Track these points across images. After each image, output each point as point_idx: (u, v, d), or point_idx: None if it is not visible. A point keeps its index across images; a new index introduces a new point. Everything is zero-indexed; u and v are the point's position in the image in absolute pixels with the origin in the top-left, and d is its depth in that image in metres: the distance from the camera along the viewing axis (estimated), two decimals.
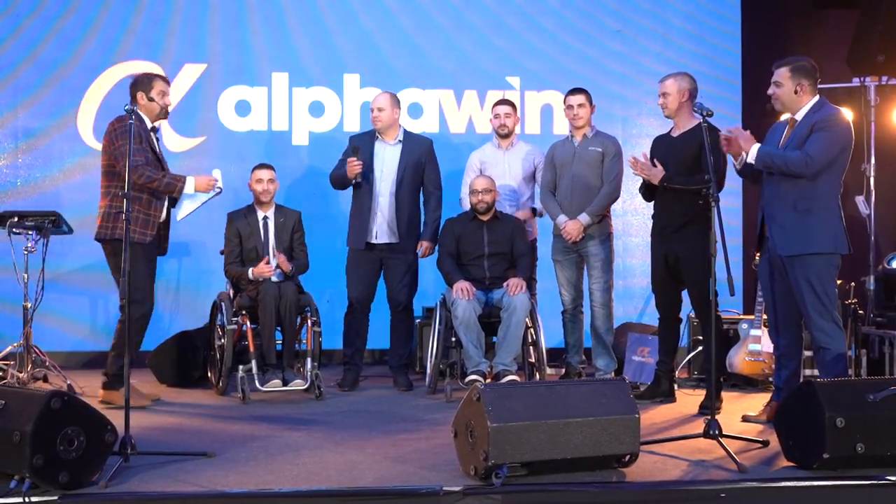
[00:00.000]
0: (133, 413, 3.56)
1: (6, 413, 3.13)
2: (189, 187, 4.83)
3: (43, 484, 3.06)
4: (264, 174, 5.39)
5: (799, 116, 4.24)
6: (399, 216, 5.44)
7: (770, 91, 4.31)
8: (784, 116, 4.41)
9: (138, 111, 4.71)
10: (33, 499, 3.03)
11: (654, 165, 4.80)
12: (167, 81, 5.02)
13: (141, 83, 4.89)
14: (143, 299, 4.72)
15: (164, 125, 6.59)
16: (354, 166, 5.28)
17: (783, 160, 4.13)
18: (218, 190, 4.92)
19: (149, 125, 4.88)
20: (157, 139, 5.05)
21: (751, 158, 4.20)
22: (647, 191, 4.98)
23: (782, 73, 4.24)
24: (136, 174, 4.63)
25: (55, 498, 3.06)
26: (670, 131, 4.99)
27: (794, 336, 4.39)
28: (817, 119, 4.15)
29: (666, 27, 7.00)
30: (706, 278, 4.69)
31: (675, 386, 5.14)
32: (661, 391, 4.97)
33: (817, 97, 4.25)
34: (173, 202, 4.95)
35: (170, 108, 5.01)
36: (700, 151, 4.68)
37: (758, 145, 4.21)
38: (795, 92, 4.22)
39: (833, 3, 7.12)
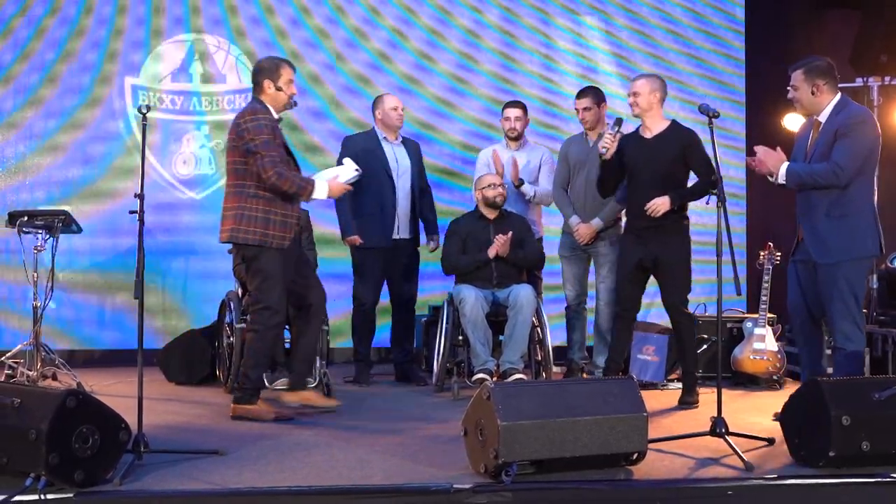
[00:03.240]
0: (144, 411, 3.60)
1: (22, 411, 3.16)
2: (320, 192, 4.43)
3: (58, 482, 3.08)
4: None
5: (822, 118, 4.20)
6: (413, 212, 5.64)
7: (789, 96, 4.29)
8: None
9: (264, 101, 4.43)
10: (49, 496, 3.05)
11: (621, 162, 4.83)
12: (294, 68, 4.54)
13: (267, 70, 4.43)
14: (279, 307, 4.43)
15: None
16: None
17: (812, 177, 4.10)
18: (357, 172, 4.63)
19: (274, 116, 4.44)
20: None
21: (781, 179, 4.17)
22: (604, 185, 4.97)
23: (797, 76, 4.22)
24: (268, 172, 4.26)
25: (71, 495, 3.09)
26: (640, 132, 4.92)
27: (819, 339, 4.46)
28: (840, 124, 4.10)
29: (670, 27, 7.04)
30: (685, 281, 4.77)
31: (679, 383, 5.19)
32: None
33: (839, 96, 4.20)
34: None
35: (296, 98, 4.56)
36: (680, 153, 4.75)
37: (786, 165, 4.17)
38: (812, 93, 4.19)
39: (836, 3, 7.16)
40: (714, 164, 4.04)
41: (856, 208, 4.13)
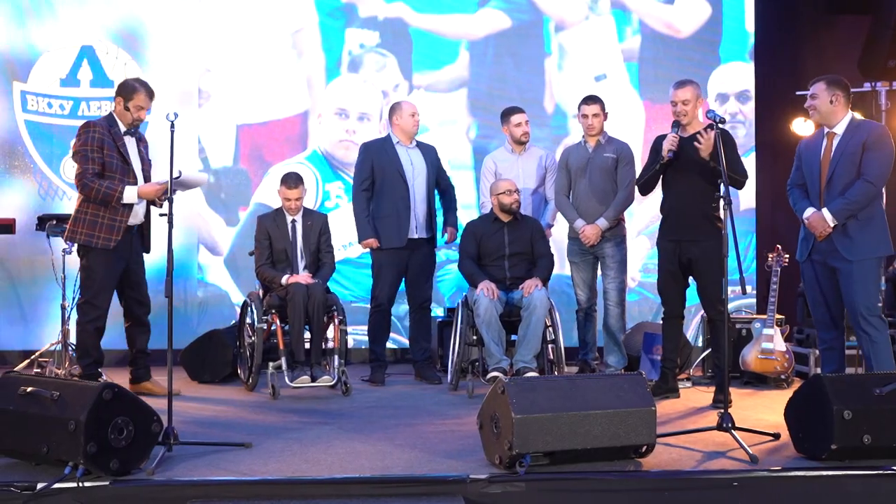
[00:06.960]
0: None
1: (61, 403, 3.33)
2: (129, 196, 4.84)
3: (95, 470, 3.25)
4: (292, 194, 5.48)
5: (838, 130, 4.50)
6: (429, 213, 5.78)
7: (806, 104, 4.60)
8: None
9: (114, 114, 4.98)
10: (87, 484, 3.23)
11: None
12: (151, 96, 5.03)
13: (124, 88, 4.98)
14: (98, 303, 4.89)
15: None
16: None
17: (856, 204, 4.39)
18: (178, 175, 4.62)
19: (123, 129, 4.97)
20: (141, 139, 5.11)
21: (832, 223, 4.44)
22: (649, 181, 5.06)
23: (819, 87, 4.53)
24: (78, 181, 4.84)
25: (106, 483, 3.26)
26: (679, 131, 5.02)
27: (839, 331, 4.65)
28: (867, 137, 4.42)
29: (678, 33, 7.13)
30: (720, 278, 4.90)
31: (690, 383, 5.32)
32: (668, 387, 5.13)
33: (851, 113, 4.51)
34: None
35: (140, 124, 5.04)
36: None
37: (828, 213, 4.43)
38: (831, 102, 4.48)
39: (845, 8, 7.26)
40: (721, 169, 4.18)
41: (878, 212, 4.50)
